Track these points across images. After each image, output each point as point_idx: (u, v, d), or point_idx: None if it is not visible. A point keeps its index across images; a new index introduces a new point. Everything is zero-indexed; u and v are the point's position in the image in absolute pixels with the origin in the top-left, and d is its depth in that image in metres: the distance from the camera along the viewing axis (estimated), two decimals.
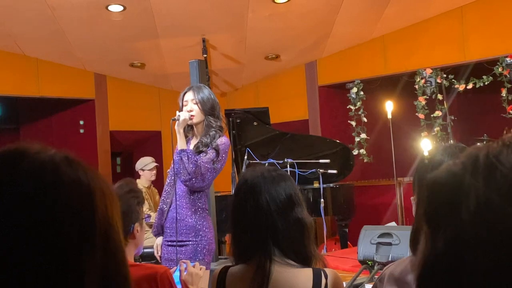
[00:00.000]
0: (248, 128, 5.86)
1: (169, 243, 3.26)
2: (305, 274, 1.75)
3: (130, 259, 2.20)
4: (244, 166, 5.50)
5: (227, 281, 1.83)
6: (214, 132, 3.23)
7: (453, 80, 6.44)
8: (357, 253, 3.46)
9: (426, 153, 1.86)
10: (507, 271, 0.57)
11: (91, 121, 7.28)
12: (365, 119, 7.05)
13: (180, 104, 3.31)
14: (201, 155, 3.18)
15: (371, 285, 2.69)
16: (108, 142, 7.34)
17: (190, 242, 3.19)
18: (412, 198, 1.57)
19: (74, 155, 0.70)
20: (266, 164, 5.20)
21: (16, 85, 6.62)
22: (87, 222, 0.66)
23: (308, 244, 1.80)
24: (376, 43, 7.03)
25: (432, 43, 6.59)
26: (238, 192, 1.86)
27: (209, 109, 3.25)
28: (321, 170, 5.55)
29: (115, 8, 5.69)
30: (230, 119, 5.67)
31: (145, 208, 5.43)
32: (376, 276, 2.55)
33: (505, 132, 0.82)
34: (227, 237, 5.39)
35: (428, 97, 6.56)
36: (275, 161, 5.38)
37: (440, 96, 6.46)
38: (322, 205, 5.39)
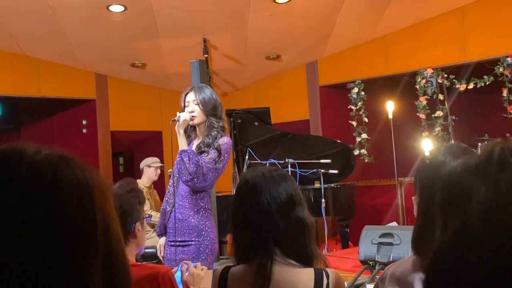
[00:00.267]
0: (249, 128, 5.87)
1: (172, 243, 3.26)
2: (307, 274, 1.74)
3: (132, 259, 2.20)
4: (245, 166, 5.50)
5: (229, 281, 1.83)
6: (216, 132, 3.22)
7: (454, 80, 6.44)
8: (358, 253, 3.46)
9: (427, 153, 1.86)
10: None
11: (92, 121, 7.29)
12: (366, 119, 7.05)
13: (182, 104, 3.30)
14: (203, 155, 3.18)
15: (372, 285, 2.69)
16: (109, 142, 7.35)
17: (193, 242, 3.18)
18: (413, 198, 1.57)
19: (69, 153, 0.70)
20: (267, 164, 5.20)
21: (17, 85, 6.62)
22: (88, 222, 0.66)
23: (309, 243, 1.80)
24: (377, 43, 7.02)
25: (433, 43, 6.59)
26: (239, 192, 1.86)
27: (210, 109, 3.24)
28: (322, 170, 5.55)
29: (116, 8, 5.69)
30: (231, 119, 5.67)
31: (146, 207, 5.43)
32: (377, 276, 2.55)
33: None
34: (228, 237, 5.38)
35: (429, 97, 6.55)
36: (276, 161, 5.38)
37: (441, 96, 6.45)
38: (323, 205, 5.40)
